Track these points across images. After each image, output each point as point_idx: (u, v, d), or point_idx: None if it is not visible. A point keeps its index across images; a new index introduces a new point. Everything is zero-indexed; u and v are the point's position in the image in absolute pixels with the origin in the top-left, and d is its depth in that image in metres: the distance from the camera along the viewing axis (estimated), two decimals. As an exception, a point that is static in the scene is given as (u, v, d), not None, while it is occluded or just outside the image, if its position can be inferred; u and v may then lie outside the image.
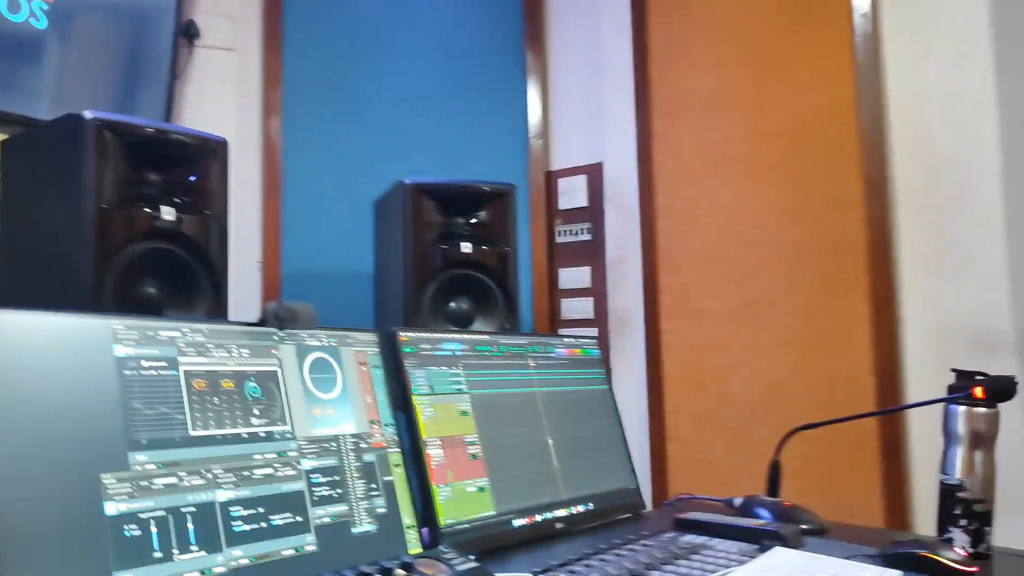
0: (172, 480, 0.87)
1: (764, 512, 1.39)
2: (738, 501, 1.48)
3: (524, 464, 1.35)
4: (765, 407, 2.74)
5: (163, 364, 0.92)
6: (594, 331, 3.29)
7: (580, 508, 1.40)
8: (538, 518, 1.32)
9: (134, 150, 1.87)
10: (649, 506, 1.56)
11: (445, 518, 1.17)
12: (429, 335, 1.30)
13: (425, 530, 1.15)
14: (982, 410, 1.19)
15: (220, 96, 2.97)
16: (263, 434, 0.99)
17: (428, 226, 2.45)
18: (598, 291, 3.33)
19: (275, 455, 0.99)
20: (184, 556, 0.85)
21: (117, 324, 0.90)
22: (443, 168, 3.09)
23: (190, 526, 0.87)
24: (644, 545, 1.20)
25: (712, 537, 1.25)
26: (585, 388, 1.55)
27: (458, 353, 1.33)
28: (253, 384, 1.01)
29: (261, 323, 1.06)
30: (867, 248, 2.54)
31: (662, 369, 3.03)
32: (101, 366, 0.87)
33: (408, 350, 1.25)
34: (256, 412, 0.99)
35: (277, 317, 1.07)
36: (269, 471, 0.97)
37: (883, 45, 2.55)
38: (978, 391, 1.20)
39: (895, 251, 2.49)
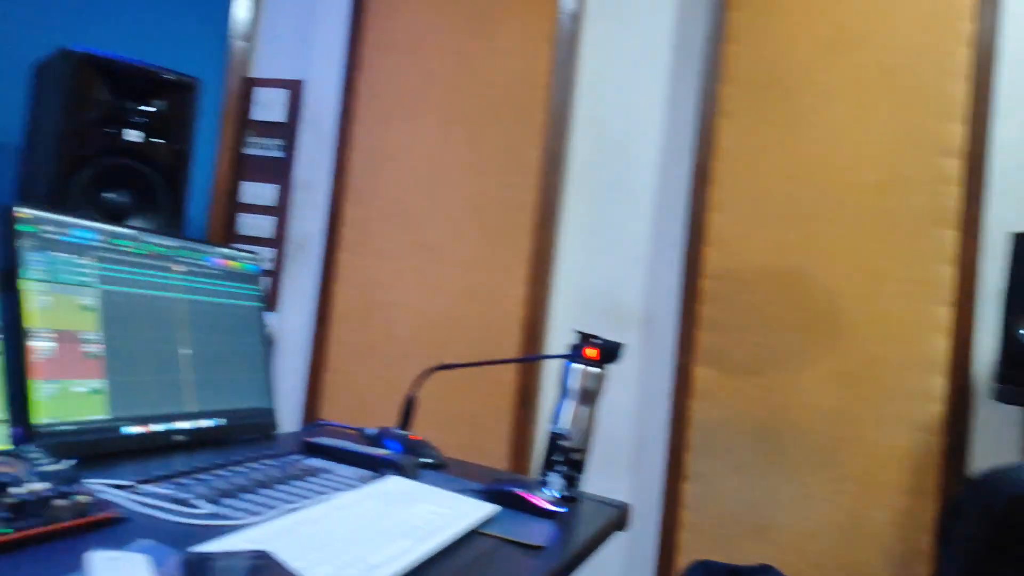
0: None
1: (393, 443, 1.46)
2: (371, 431, 1.53)
3: (150, 371, 1.27)
4: (422, 346, 2.86)
5: None
6: (273, 251, 3.17)
7: (206, 423, 1.35)
8: (155, 428, 1.25)
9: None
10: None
11: (43, 417, 1.09)
12: (56, 217, 1.18)
13: (17, 428, 1.05)
14: (592, 369, 1.34)
15: None
16: None
17: (93, 104, 2.20)
18: (281, 211, 3.21)
19: None
20: None
21: None
22: (128, 46, 2.67)
23: None
24: (264, 464, 1.20)
25: (336, 463, 1.28)
26: (234, 302, 1.49)
27: (91, 243, 1.22)
28: None
29: None
30: (535, 213, 2.74)
31: (332, 298, 3.05)
32: None
33: (27, 229, 1.13)
34: None
35: None
36: None
37: (583, 26, 2.75)
38: (590, 351, 1.34)
39: (558, 220, 2.72)
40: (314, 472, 1.19)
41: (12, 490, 0.80)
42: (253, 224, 3.23)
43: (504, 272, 2.75)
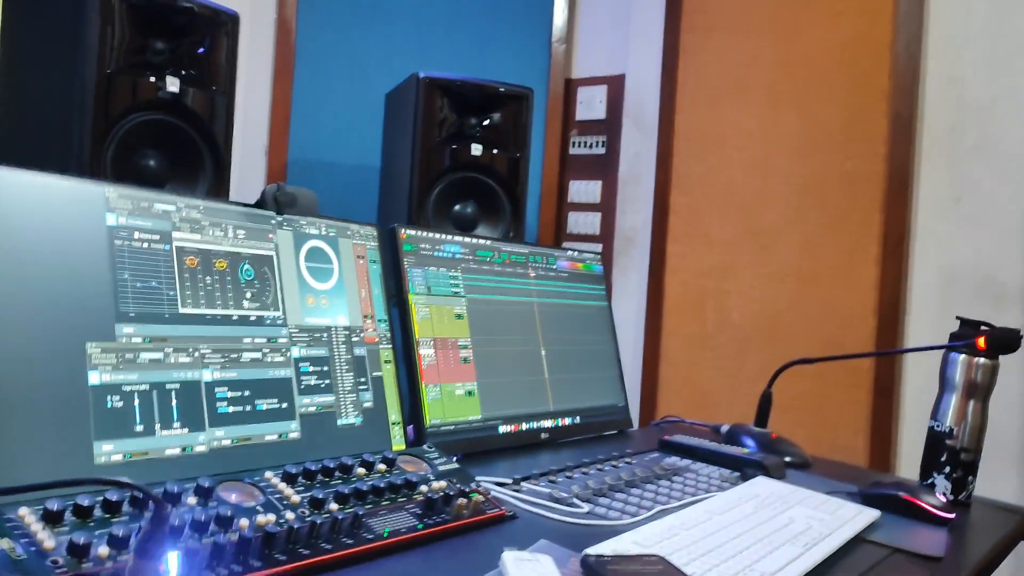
0: (158, 355, 0.86)
1: (749, 441, 1.40)
2: (725, 428, 1.49)
3: (514, 372, 1.34)
4: (760, 336, 2.75)
5: (155, 237, 0.90)
6: (599, 247, 3.21)
7: (567, 420, 1.40)
8: (524, 427, 1.32)
9: (141, 16, 1.80)
10: (636, 425, 1.55)
11: (431, 418, 1.18)
12: (430, 235, 1.27)
13: (410, 428, 1.14)
14: (981, 360, 1.19)
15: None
16: (254, 318, 0.97)
17: (439, 124, 2.36)
18: (607, 207, 3.27)
19: (265, 340, 0.97)
20: (166, 432, 0.85)
21: (111, 192, 0.87)
22: (460, 64, 2.93)
23: (174, 403, 0.86)
24: (627, 463, 1.21)
25: (695, 461, 1.26)
26: (583, 303, 1.53)
27: (458, 256, 1.31)
28: (247, 267, 0.98)
29: (259, 205, 1.02)
30: (884, 186, 2.51)
31: (663, 291, 3.02)
32: (92, 233, 0.84)
33: (408, 248, 1.23)
34: (248, 295, 0.97)
35: (276, 200, 1.03)
36: (257, 355, 0.95)
37: (929, -24, 2.45)
38: (980, 341, 1.18)
39: (913, 192, 2.45)
40: (677, 471, 1.19)
41: (422, 488, 0.88)
42: (581, 221, 3.33)
43: (851, 253, 2.57)
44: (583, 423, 1.43)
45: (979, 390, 1.20)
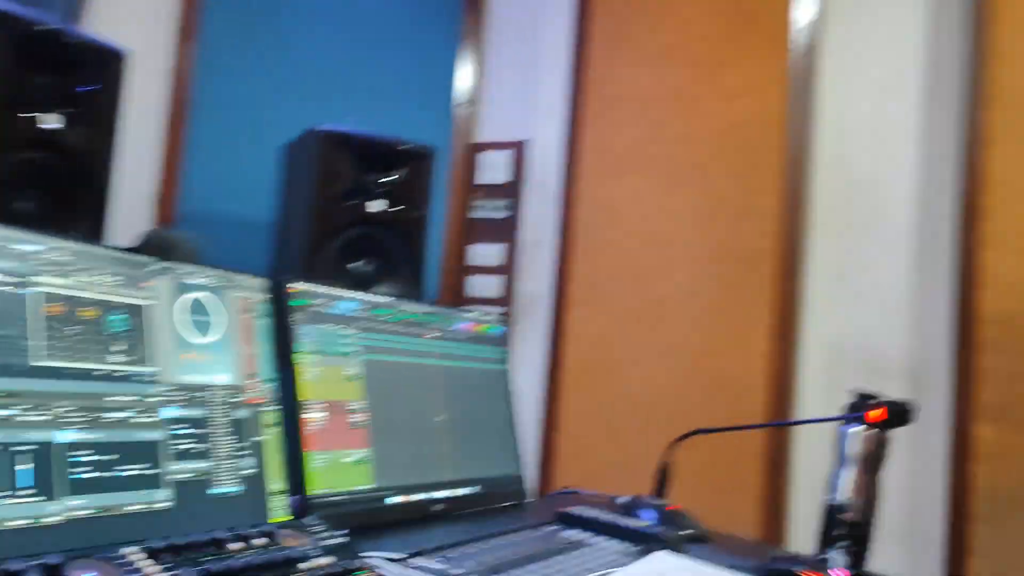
0: (6, 412, 0.77)
1: (648, 513, 1.37)
2: (623, 500, 1.46)
3: (409, 439, 1.27)
4: (656, 406, 2.76)
5: (12, 280, 0.81)
6: (499, 311, 3.18)
7: (462, 491, 1.34)
8: (415, 497, 1.25)
9: (21, 48, 1.70)
10: (533, 493, 1.53)
11: (317, 487, 1.10)
12: (322, 290, 1.21)
13: (295, 498, 1.06)
14: (875, 432, 1.20)
15: (134, 10, 2.70)
16: (121, 374, 0.88)
17: (337, 179, 2.29)
18: (508, 271, 3.25)
19: (133, 399, 0.88)
20: (11, 500, 0.75)
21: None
22: (362, 120, 2.72)
23: (22, 466, 0.77)
24: (525, 536, 1.17)
25: (594, 534, 1.22)
26: (483, 367, 1.48)
27: (353, 314, 1.24)
28: (118, 317, 0.90)
29: (136, 250, 0.94)
30: (775, 260, 2.57)
31: (562, 358, 3.02)
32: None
33: (298, 303, 1.16)
34: (116, 349, 0.89)
35: (153, 246, 0.98)
36: (122, 415, 0.87)
37: (818, 63, 2.59)
38: (874, 413, 1.20)
39: (802, 266, 2.53)
40: (576, 545, 1.13)
41: (302, 566, 0.80)
42: (481, 285, 3.29)
43: (744, 326, 2.61)
44: (479, 494, 1.37)
45: (873, 462, 1.20)
